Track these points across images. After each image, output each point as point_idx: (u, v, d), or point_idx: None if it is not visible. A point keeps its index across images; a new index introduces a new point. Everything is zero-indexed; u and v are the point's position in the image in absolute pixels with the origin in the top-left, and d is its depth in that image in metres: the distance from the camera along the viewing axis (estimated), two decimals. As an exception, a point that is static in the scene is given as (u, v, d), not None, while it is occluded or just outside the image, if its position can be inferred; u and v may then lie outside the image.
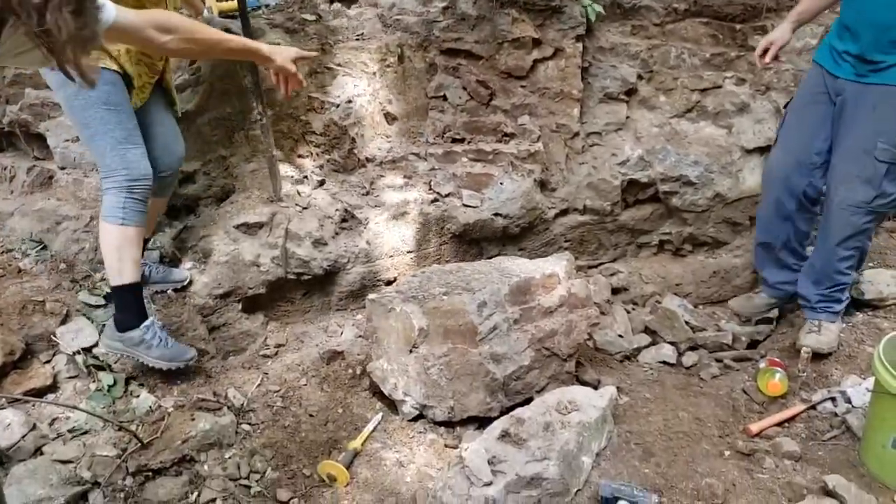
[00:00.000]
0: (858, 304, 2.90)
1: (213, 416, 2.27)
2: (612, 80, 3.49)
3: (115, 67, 2.16)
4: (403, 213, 3.14)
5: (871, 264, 3.09)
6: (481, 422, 2.41)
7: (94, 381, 2.33)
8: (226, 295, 2.76)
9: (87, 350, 2.39)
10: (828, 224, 2.64)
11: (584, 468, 2.10)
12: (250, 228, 2.86)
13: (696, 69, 3.52)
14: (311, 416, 2.49)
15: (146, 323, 2.32)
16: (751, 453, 2.26)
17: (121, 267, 2.25)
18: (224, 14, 3.74)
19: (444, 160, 3.34)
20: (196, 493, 2.07)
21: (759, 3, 3.44)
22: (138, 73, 2.27)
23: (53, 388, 2.29)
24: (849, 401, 2.41)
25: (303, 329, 2.98)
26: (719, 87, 3.51)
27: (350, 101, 3.23)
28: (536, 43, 3.32)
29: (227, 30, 2.53)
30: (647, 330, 3.22)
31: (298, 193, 3.06)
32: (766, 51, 2.65)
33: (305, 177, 3.15)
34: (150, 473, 2.07)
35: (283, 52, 2.09)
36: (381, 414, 2.54)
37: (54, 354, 2.37)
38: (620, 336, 3.12)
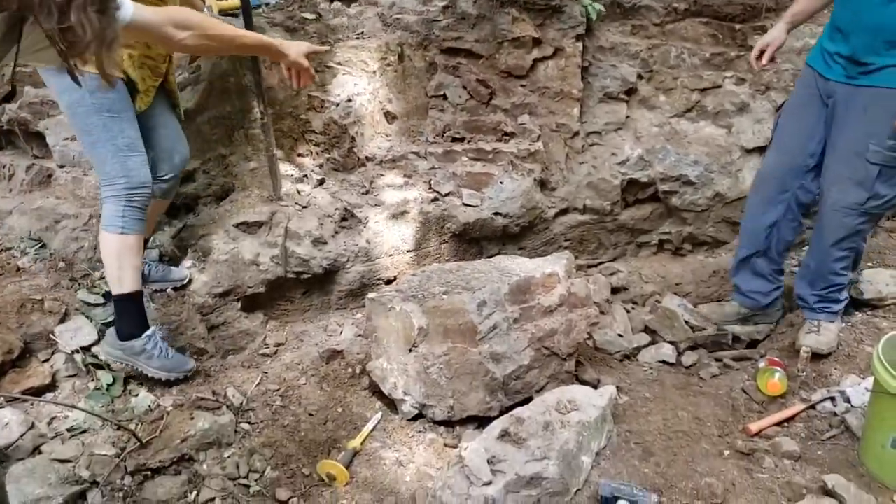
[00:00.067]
0: (857, 304, 2.89)
1: (212, 416, 2.27)
2: (612, 80, 3.49)
3: (118, 74, 2.14)
4: (403, 212, 3.14)
5: (870, 264, 3.09)
6: (481, 421, 2.40)
7: (92, 380, 2.33)
8: (225, 294, 2.76)
9: (86, 349, 2.39)
10: (822, 225, 2.63)
11: (584, 468, 2.10)
12: (250, 227, 2.86)
13: (696, 69, 3.52)
14: (310, 415, 2.49)
15: (148, 333, 2.31)
16: (750, 453, 2.26)
17: (121, 275, 2.25)
18: (224, 13, 3.73)
19: (444, 159, 3.34)
20: (195, 493, 2.06)
21: (759, 2, 3.44)
22: (142, 78, 2.26)
23: (52, 386, 2.28)
24: (848, 400, 2.41)
25: (302, 328, 2.97)
26: (719, 86, 3.51)
27: (350, 100, 3.23)
28: (536, 42, 3.32)
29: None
30: (646, 329, 3.22)
31: (298, 192, 3.05)
32: (762, 53, 2.65)
33: (305, 175, 3.14)
34: (149, 473, 2.07)
35: (296, 47, 2.12)
36: (380, 413, 2.53)
37: (53, 353, 2.36)
38: (620, 335, 3.12)
